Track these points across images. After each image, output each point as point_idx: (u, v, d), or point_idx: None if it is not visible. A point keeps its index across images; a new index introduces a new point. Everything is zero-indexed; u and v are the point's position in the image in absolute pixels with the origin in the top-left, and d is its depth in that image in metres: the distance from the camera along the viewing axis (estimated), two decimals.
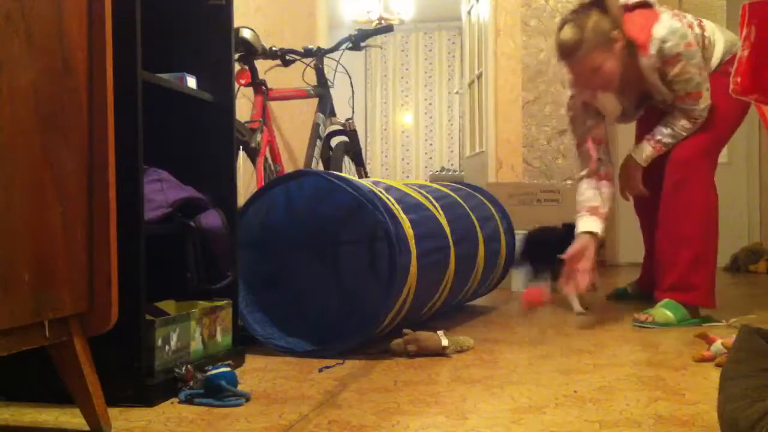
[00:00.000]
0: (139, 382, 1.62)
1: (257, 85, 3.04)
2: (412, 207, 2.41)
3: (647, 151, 2.88)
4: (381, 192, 2.30)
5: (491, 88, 5.11)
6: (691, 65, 2.73)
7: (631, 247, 4.75)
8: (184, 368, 1.70)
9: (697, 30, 2.84)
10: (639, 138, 3.05)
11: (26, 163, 1.25)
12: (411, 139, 9.72)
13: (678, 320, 2.72)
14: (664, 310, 2.73)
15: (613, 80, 2.79)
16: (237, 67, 2.87)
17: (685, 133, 2.83)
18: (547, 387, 1.80)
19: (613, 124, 3.06)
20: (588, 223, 2.85)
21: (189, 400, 1.65)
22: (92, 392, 1.40)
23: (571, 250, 2.80)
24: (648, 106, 3.03)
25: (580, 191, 2.94)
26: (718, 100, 2.80)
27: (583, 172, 2.96)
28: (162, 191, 1.82)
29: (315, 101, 3.41)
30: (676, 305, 2.75)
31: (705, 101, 2.79)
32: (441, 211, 2.59)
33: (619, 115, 2.98)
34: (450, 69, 9.60)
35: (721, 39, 2.93)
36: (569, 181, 4.43)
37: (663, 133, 2.85)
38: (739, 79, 2.53)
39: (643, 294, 3.26)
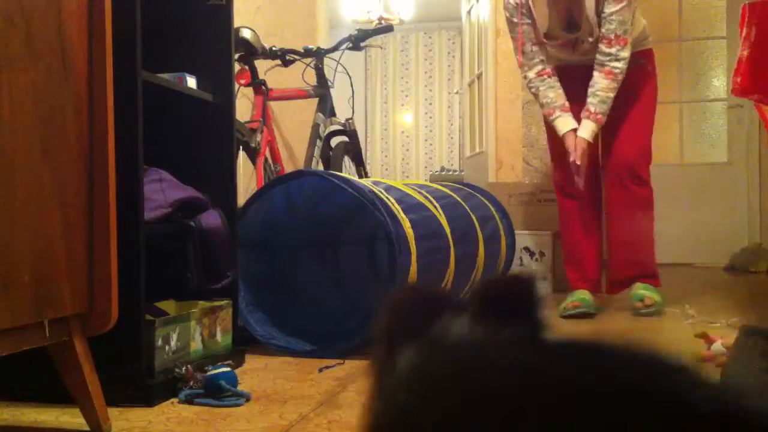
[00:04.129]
0: (139, 382, 1.62)
1: (257, 85, 3.03)
2: (412, 207, 2.41)
3: (591, 126, 2.90)
4: (381, 192, 2.30)
5: (491, 88, 5.11)
6: (628, 10, 2.81)
7: None
8: (184, 368, 1.70)
9: None
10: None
11: (26, 163, 1.25)
12: (411, 139, 9.71)
13: (661, 301, 2.97)
14: (652, 294, 2.93)
15: None
16: (237, 67, 2.86)
17: (612, 94, 2.87)
18: None
19: (541, 38, 2.97)
20: (570, 121, 2.93)
21: (189, 400, 1.65)
22: (92, 392, 1.40)
23: (572, 148, 2.90)
24: (569, 44, 3.00)
25: (542, 93, 2.96)
26: (637, 87, 2.94)
27: (531, 73, 2.97)
28: (162, 191, 1.82)
29: (315, 101, 3.41)
30: (654, 288, 2.98)
31: (627, 51, 2.85)
32: (441, 212, 2.59)
33: (545, 30, 2.94)
34: (450, 69, 9.59)
35: (640, 21, 3.01)
36: None
37: (594, 103, 2.89)
38: (739, 79, 2.53)
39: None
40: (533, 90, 3.00)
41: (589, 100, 2.90)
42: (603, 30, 2.84)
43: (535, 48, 2.94)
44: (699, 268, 5.12)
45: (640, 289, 2.98)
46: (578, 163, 2.90)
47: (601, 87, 2.87)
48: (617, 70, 2.85)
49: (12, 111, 1.21)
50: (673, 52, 5.38)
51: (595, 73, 2.89)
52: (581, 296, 3.03)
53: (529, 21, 2.92)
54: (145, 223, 1.67)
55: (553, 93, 2.95)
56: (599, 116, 2.88)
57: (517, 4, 2.91)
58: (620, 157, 3.02)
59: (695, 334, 2.21)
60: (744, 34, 2.51)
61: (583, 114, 2.92)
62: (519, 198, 4.17)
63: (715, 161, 5.53)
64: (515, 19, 2.93)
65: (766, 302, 3.44)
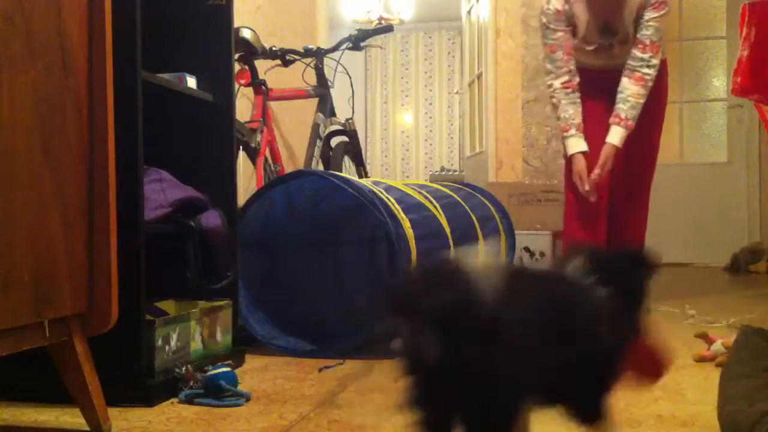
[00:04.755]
0: (139, 382, 1.62)
1: (257, 85, 3.03)
2: (412, 207, 2.41)
3: (621, 132, 2.88)
4: (381, 192, 2.30)
5: (491, 88, 5.11)
6: (665, 19, 2.85)
7: None
8: (184, 368, 1.70)
9: None
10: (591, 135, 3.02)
11: (26, 163, 1.25)
12: (411, 139, 9.71)
13: None
14: None
15: None
16: (237, 67, 2.86)
17: (642, 101, 2.86)
18: None
19: (572, 48, 2.97)
20: (581, 143, 2.91)
21: (189, 400, 1.65)
22: (92, 392, 1.40)
23: (576, 173, 2.88)
24: (601, 49, 2.99)
25: (563, 106, 2.93)
26: (654, 97, 2.94)
27: (557, 82, 2.93)
28: (162, 191, 1.82)
29: (315, 101, 3.41)
30: None
31: (658, 58, 2.87)
32: (441, 212, 2.59)
33: (582, 35, 2.95)
34: (450, 69, 9.58)
35: None
36: None
37: (624, 109, 2.87)
38: (738, 79, 2.53)
39: None
40: (554, 100, 2.96)
41: (618, 106, 2.88)
42: (638, 35, 2.85)
43: (565, 57, 2.92)
44: (699, 268, 5.12)
45: None
46: (602, 176, 2.88)
47: (632, 93, 2.86)
48: (648, 77, 2.85)
49: (12, 111, 1.21)
50: (673, 52, 5.38)
51: (625, 79, 2.88)
52: None
53: (565, 28, 2.92)
54: (145, 223, 1.67)
55: (573, 109, 2.92)
56: (630, 122, 2.87)
57: (556, 11, 2.90)
58: (636, 168, 3.04)
59: (695, 334, 2.21)
60: (744, 34, 2.51)
61: (613, 120, 2.89)
62: (519, 198, 4.17)
63: (715, 161, 5.53)
64: (552, 26, 2.91)
65: (766, 302, 3.43)
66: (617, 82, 2.95)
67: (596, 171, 2.88)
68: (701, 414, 1.55)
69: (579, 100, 2.93)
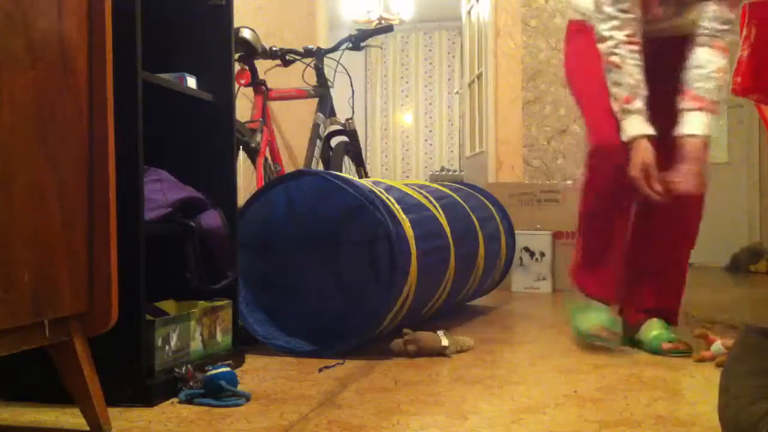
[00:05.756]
0: (139, 382, 1.62)
1: (257, 85, 3.04)
2: (412, 207, 2.41)
3: (706, 120, 2.21)
4: (381, 192, 2.30)
5: (491, 88, 5.11)
6: None
7: None
8: (184, 368, 1.70)
9: None
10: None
11: (26, 163, 1.25)
12: (411, 139, 9.72)
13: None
14: (677, 337, 2.27)
15: None
16: (237, 67, 2.86)
17: (727, 77, 2.27)
18: (547, 387, 1.80)
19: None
20: (645, 125, 2.18)
21: (189, 400, 1.65)
22: (92, 392, 1.40)
23: (642, 164, 2.16)
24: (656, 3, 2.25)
25: (627, 68, 2.18)
26: None
27: (621, 34, 2.19)
28: (162, 191, 1.82)
29: (315, 101, 3.41)
30: (672, 329, 2.34)
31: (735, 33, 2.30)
32: (441, 211, 2.59)
33: None
34: (450, 69, 9.59)
35: None
36: (569, 181, 4.43)
37: (709, 89, 2.19)
38: (739, 79, 2.53)
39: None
40: (616, 59, 2.19)
41: (698, 85, 2.18)
42: None
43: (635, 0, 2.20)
44: (699, 268, 5.12)
45: (665, 329, 2.30)
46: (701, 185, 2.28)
47: (716, 68, 2.18)
48: (728, 51, 2.21)
49: (12, 111, 1.21)
50: None
51: (705, 50, 2.19)
52: (611, 321, 2.32)
53: None
54: (145, 223, 1.67)
55: (639, 75, 2.18)
56: (716, 106, 2.20)
57: None
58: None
59: (695, 334, 2.21)
60: (744, 34, 2.51)
61: (693, 104, 2.19)
62: (519, 198, 4.17)
63: (715, 161, 5.53)
64: None
65: (766, 302, 3.44)
66: (653, 54, 2.26)
67: (690, 180, 2.26)
68: (701, 414, 1.55)
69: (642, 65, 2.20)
